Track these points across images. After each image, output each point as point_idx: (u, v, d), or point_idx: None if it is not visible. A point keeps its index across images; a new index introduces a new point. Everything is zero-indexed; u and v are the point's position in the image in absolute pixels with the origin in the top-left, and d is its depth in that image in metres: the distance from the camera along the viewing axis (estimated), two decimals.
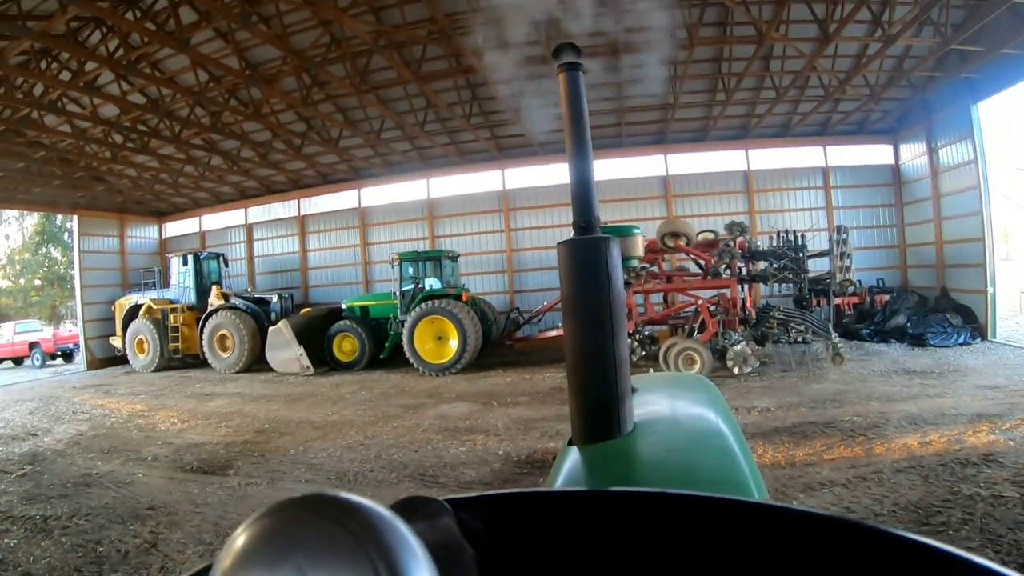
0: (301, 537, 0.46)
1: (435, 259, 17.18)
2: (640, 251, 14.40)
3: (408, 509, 0.53)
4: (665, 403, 2.50)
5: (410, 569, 0.43)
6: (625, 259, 13.40)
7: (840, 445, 8.20)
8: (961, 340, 15.52)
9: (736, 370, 12.90)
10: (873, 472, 7.08)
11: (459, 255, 18.60)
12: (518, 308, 19.08)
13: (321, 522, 0.47)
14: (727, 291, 14.03)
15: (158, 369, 19.18)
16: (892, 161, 19.87)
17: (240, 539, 0.50)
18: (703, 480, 1.80)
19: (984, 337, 15.88)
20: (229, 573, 0.48)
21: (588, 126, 1.88)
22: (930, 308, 17.20)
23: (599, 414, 1.74)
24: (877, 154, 20.02)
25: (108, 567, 5.29)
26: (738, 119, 18.80)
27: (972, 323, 16.20)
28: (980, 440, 7.86)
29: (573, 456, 1.67)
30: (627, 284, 13.90)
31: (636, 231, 14.53)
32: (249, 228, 24.00)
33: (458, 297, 15.87)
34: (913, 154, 19.10)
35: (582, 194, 1.84)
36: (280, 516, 0.49)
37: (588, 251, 1.79)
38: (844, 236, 15.90)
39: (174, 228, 25.50)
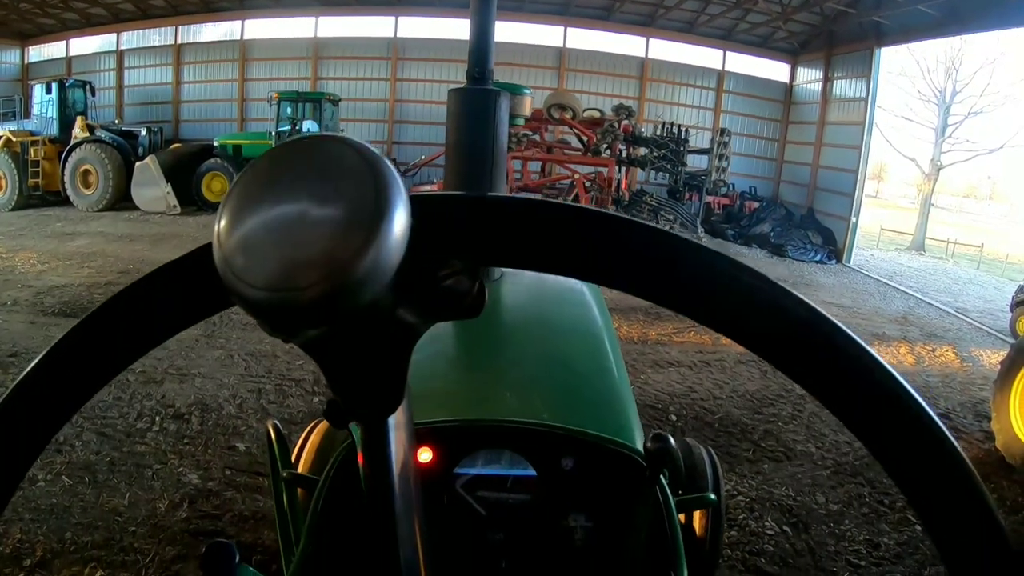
0: (314, 154, 0.40)
1: (316, 101, 16.57)
2: (527, 111, 14.31)
3: None
4: None
5: (395, 198, 0.37)
6: (512, 117, 13.33)
7: (691, 331, 8.61)
8: (818, 258, 16.52)
9: None
10: (718, 359, 7.52)
11: (341, 99, 17.92)
12: (395, 159, 18.44)
13: (335, 145, 0.39)
14: (604, 170, 14.22)
15: (16, 208, 17.41)
16: (787, 80, 20.39)
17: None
18: (554, 324, 2.05)
19: (839, 260, 16.94)
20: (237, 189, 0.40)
21: None
22: (795, 223, 18.16)
23: None
24: (774, 70, 20.45)
25: None
26: (645, 6, 18.55)
27: (831, 245, 17.23)
28: None
29: None
30: (507, 148, 13.78)
31: (526, 92, 14.39)
32: (120, 55, 21.92)
33: None
34: (808, 78, 19.69)
35: (481, 45, 1.82)
36: (293, 142, 0.41)
37: (479, 101, 1.81)
38: (726, 139, 16.27)
39: (38, 53, 23.06)
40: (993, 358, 8.59)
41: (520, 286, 2.18)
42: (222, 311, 0.48)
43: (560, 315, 2.18)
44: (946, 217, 37.12)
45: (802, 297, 0.42)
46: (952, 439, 0.39)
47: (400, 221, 0.37)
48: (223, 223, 0.39)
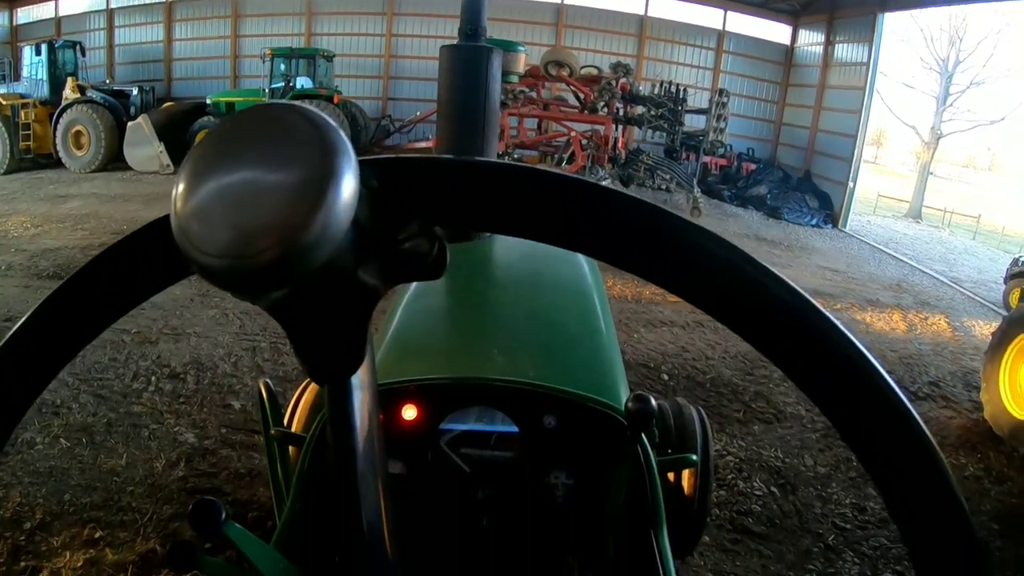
0: (265, 123, 0.40)
1: (309, 57, 16.42)
2: (520, 69, 14.17)
3: None
4: None
5: (343, 164, 0.37)
6: (505, 74, 13.20)
7: None
8: (814, 222, 16.49)
9: None
10: (710, 319, 7.41)
11: (335, 55, 17.71)
12: (390, 116, 18.64)
13: (288, 115, 0.39)
14: (601, 128, 14.16)
15: (8, 172, 17.18)
16: (788, 42, 20.08)
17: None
18: (544, 284, 2.08)
19: (835, 225, 16.93)
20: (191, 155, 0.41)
21: None
22: (792, 186, 18.06)
23: None
24: (775, 31, 20.11)
25: None
26: None
27: (827, 209, 17.19)
28: None
29: None
30: (503, 104, 13.68)
31: (520, 48, 14.22)
32: (110, 14, 21.49)
33: (330, 99, 15.43)
34: (809, 40, 19.43)
35: (473, 1, 1.82)
36: (246, 111, 0.41)
37: (471, 58, 1.80)
38: (725, 100, 16.03)
39: (27, 14, 22.58)
40: (985, 329, 8.65)
41: (510, 246, 2.18)
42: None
43: (550, 275, 2.18)
44: (944, 186, 36.89)
45: (780, 275, 0.42)
46: (922, 424, 0.39)
47: (348, 186, 0.37)
48: (179, 192, 0.39)
